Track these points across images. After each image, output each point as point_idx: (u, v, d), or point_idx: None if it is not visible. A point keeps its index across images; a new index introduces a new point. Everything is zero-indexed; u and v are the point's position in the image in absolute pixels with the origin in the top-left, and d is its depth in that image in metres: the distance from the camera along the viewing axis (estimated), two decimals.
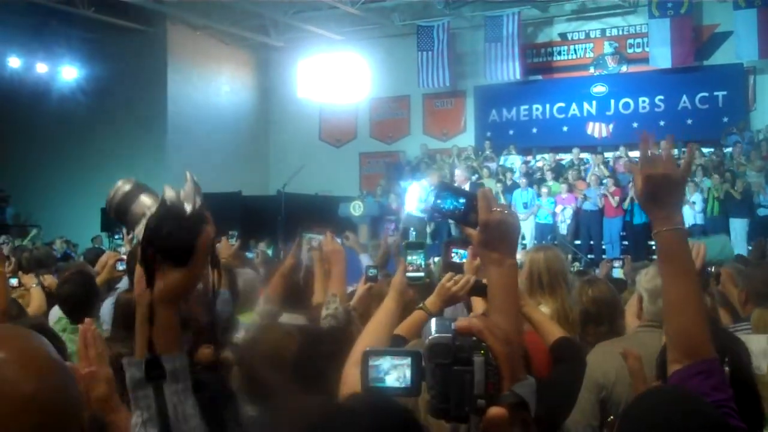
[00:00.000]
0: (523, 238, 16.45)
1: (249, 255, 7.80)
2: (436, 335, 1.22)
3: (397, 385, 1.22)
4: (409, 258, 2.78)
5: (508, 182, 17.36)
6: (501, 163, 18.69)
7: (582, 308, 3.85)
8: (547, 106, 20.06)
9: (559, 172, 17.61)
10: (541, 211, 16.35)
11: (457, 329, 1.23)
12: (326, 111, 22.30)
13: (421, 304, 3.06)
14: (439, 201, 1.80)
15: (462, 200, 1.79)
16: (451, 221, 2.27)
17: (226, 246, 5.76)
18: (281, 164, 21.19)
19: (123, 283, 4.34)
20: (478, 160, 19.02)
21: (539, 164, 18.49)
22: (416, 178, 19.10)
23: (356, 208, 13.54)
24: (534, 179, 17.32)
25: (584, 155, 18.49)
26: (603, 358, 3.18)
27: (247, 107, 22.93)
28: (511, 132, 20.17)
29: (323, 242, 3.95)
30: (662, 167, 1.99)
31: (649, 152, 2.02)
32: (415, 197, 14.69)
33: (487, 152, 19.18)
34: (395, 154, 21.45)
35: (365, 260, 6.93)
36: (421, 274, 2.78)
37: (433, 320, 1.27)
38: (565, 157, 18.93)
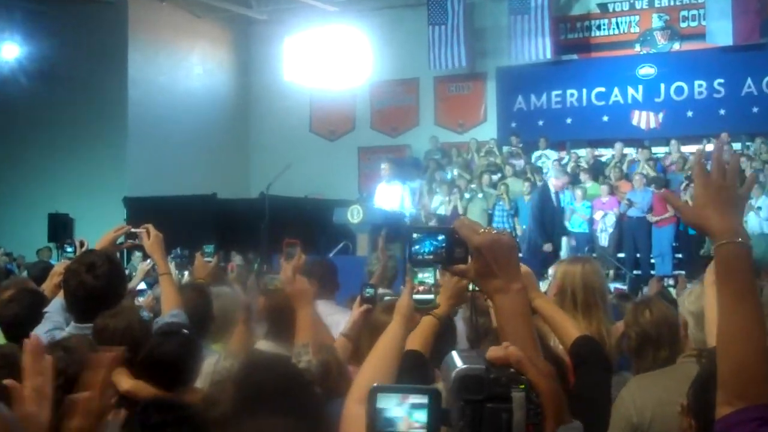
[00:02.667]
0: (559, 248, 16.44)
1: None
2: (466, 366, 1.21)
3: (411, 429, 1.20)
4: (416, 277, 2.72)
5: (538, 182, 17.33)
6: (532, 160, 18.71)
7: (639, 331, 3.90)
8: (584, 91, 20.06)
9: (597, 170, 17.59)
10: (574, 217, 16.30)
11: (491, 359, 1.22)
12: (318, 97, 22.33)
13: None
14: (416, 247, 1.83)
15: (441, 237, 1.83)
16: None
17: (201, 264, 5.72)
18: (265, 161, 21.19)
19: (53, 306, 4.31)
20: (502, 156, 19.02)
21: (572, 161, 18.46)
22: (424, 178, 19.09)
23: (355, 214, 13.43)
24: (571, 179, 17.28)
25: (628, 150, 18.48)
26: (639, 393, 3.20)
27: (224, 93, 22.98)
28: (540, 122, 20.18)
29: (283, 280, 3.82)
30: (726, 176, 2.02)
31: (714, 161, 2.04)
32: (387, 202, 14.45)
33: (513, 147, 19.20)
34: (402, 148, 21.48)
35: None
36: (431, 296, 2.71)
37: (455, 353, 1.26)
38: (606, 153, 18.92)
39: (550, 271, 13.60)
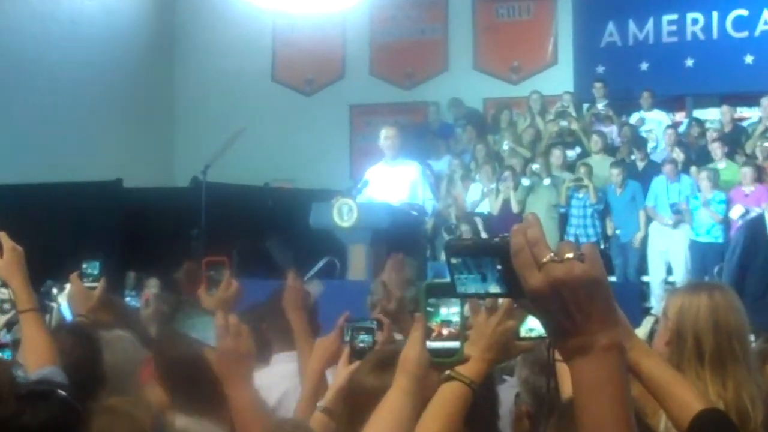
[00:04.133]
0: (670, 271, 16.44)
1: (131, 301, 7.88)
2: None
3: None
4: (435, 314, 2.71)
5: (640, 162, 17.35)
6: (632, 122, 18.86)
7: None
8: (714, 15, 20.21)
9: (736, 143, 17.60)
10: (698, 216, 16.30)
11: None
12: (287, 27, 22.53)
13: (449, 372, 2.98)
14: (460, 276, 1.85)
15: (499, 265, 1.82)
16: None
17: (81, 292, 5.71)
18: (200, 130, 21.33)
19: None
20: (582, 121, 19.02)
21: (695, 128, 18.51)
22: (455, 154, 19.12)
23: (345, 214, 13.46)
24: (691, 157, 17.30)
25: None
26: None
27: (135, 22, 23.10)
28: (644, 66, 20.35)
29: (218, 333, 3.84)
30: None
31: None
32: (388, 193, 14.51)
33: (600, 106, 19.21)
34: (419, 107, 21.61)
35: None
36: (456, 344, 2.71)
37: None
38: (750, 115, 18.98)
39: (657, 305, 13.64)
